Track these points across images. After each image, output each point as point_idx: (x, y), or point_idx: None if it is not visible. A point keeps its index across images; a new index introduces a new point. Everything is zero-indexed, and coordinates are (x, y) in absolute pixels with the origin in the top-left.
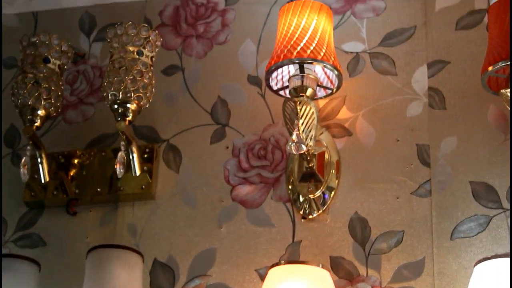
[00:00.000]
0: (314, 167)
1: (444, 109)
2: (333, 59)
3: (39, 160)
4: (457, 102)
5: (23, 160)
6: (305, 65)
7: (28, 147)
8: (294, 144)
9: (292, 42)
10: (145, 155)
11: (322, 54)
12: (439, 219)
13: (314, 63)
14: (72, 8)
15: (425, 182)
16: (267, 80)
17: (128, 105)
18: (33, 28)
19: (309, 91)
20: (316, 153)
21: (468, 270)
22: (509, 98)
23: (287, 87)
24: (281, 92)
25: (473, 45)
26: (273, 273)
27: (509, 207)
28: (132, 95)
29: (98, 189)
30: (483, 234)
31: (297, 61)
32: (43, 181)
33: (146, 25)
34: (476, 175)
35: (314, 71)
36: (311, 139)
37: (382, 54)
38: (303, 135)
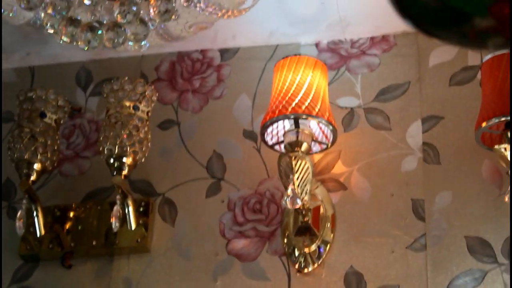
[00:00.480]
0: (309, 221)
1: (438, 164)
2: (327, 114)
3: (34, 213)
4: (451, 157)
5: (18, 214)
6: (300, 120)
7: (24, 201)
8: (289, 198)
9: (287, 98)
10: (141, 209)
11: (317, 109)
12: (434, 273)
13: (309, 118)
14: (69, 63)
15: (420, 237)
16: (262, 135)
17: (124, 160)
18: (30, 83)
19: (304, 146)
20: (311, 207)
21: None
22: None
23: (282, 142)
24: (276, 147)
25: (467, 100)
26: None
27: (504, 262)
28: (128, 149)
29: (94, 243)
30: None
31: (292, 116)
32: (38, 235)
33: (142, 80)
34: (471, 230)
35: (309, 126)
36: (306, 193)
37: (376, 109)
38: (298, 190)
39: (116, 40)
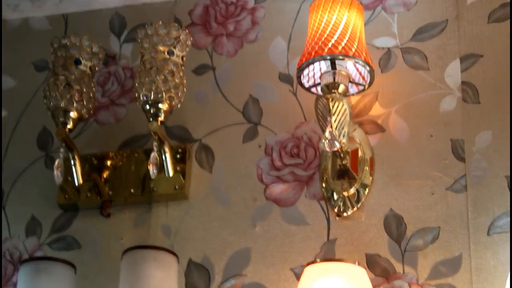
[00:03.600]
0: (347, 164)
1: (478, 103)
2: (364, 55)
3: (72, 162)
4: (491, 95)
5: (56, 163)
6: (337, 62)
7: (61, 150)
8: (327, 141)
9: (323, 39)
10: (178, 156)
11: (353, 50)
12: (475, 214)
13: (346, 59)
14: (102, 9)
15: (461, 177)
16: (299, 77)
17: (160, 106)
18: (63, 30)
19: (341, 88)
20: (349, 150)
21: (506, 265)
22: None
23: (319, 84)
24: (313, 89)
25: (506, 38)
26: (308, 271)
27: None
28: (164, 95)
29: (132, 190)
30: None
31: (328, 57)
32: (76, 183)
33: (176, 24)
34: None
35: (346, 67)
36: (344, 136)
37: (414, 49)
38: (336, 132)
39: None
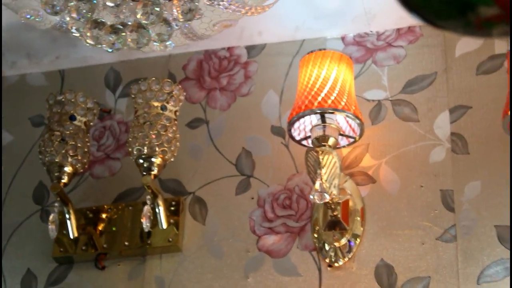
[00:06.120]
0: (338, 215)
1: (467, 154)
2: (354, 108)
3: (67, 216)
4: (480, 146)
5: (51, 217)
6: (327, 115)
7: (56, 204)
8: (317, 193)
9: (313, 93)
10: (172, 208)
11: (343, 103)
12: (465, 264)
13: (336, 112)
14: (98, 65)
15: (450, 227)
16: (289, 130)
17: (153, 160)
18: (60, 86)
19: (331, 141)
20: (340, 201)
21: None
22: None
23: (309, 137)
24: (304, 142)
25: (494, 89)
26: None
27: None
28: (157, 149)
29: (126, 243)
30: (509, 277)
31: (318, 111)
32: (71, 237)
33: (169, 80)
34: (500, 219)
35: (336, 120)
36: (334, 187)
37: (404, 101)
38: (326, 184)
39: (140, 41)
